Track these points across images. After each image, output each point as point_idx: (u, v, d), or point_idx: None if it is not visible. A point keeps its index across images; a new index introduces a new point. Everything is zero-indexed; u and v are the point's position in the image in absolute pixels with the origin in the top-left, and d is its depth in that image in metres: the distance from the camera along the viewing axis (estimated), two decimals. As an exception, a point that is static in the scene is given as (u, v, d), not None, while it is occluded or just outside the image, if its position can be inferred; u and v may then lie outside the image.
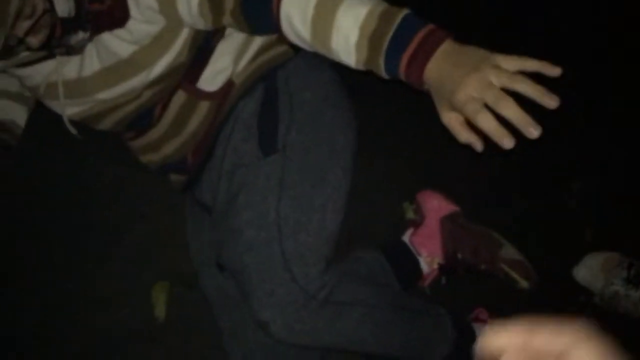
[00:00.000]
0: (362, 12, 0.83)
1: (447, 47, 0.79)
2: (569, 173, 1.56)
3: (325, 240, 1.08)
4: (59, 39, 0.96)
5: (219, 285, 1.17)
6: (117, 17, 0.98)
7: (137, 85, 1.06)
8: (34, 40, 0.93)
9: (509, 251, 1.33)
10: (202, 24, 1.00)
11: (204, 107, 1.12)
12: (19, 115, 1.18)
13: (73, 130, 1.11)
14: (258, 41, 1.13)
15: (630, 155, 1.58)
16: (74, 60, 1.04)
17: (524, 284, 1.33)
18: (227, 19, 0.97)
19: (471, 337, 1.22)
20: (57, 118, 1.12)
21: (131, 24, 0.99)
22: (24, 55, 0.99)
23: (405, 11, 0.84)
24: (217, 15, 0.97)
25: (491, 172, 1.53)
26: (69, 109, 1.09)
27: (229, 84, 1.12)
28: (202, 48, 1.08)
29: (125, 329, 1.34)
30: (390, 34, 0.81)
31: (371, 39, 0.82)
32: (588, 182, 1.55)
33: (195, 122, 1.13)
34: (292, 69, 1.15)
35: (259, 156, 1.09)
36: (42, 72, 1.05)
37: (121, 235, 1.43)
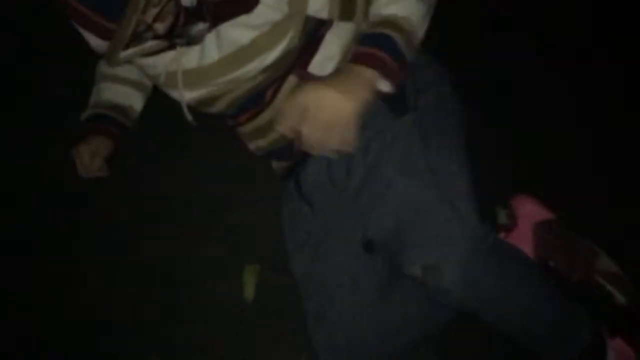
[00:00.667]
0: None
1: None
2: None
3: (475, 193, 1.06)
4: (181, 28, 1.02)
5: (307, 271, 1.19)
6: (249, 1, 1.04)
7: (253, 69, 1.11)
8: (160, 27, 1.00)
9: (606, 262, 1.27)
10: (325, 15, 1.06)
11: None
12: (136, 101, 1.31)
13: (189, 117, 1.18)
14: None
15: None
16: (194, 50, 1.09)
17: (621, 299, 1.27)
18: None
19: (602, 351, 1.17)
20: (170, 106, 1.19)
21: (260, 8, 1.05)
22: (149, 44, 1.06)
23: None
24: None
25: (596, 183, 1.48)
26: (187, 94, 1.16)
27: None
28: (312, 34, 1.12)
29: (216, 307, 1.40)
30: None
31: None
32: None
33: None
34: None
35: (393, 117, 1.08)
36: (163, 62, 1.12)
37: (218, 219, 1.50)
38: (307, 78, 1.12)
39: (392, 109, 1.09)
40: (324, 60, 1.13)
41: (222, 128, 1.27)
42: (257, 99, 1.16)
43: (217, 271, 1.44)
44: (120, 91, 1.29)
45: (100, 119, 1.27)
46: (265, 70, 1.12)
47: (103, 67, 1.30)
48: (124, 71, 1.28)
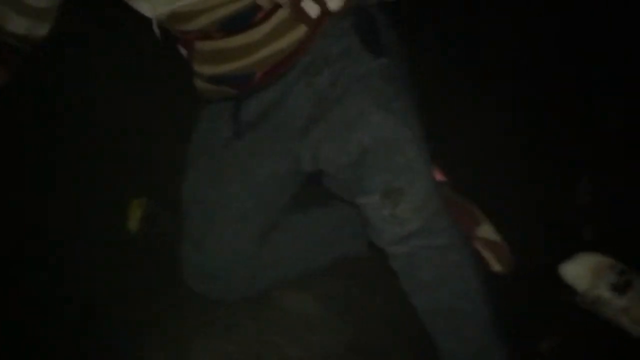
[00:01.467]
0: None
1: None
2: (580, 169, 1.48)
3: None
4: None
5: (200, 192, 1.19)
6: None
7: None
8: None
9: (487, 230, 1.28)
10: None
11: (301, 30, 1.12)
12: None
13: (157, 32, 1.11)
14: None
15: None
16: None
17: (496, 266, 1.28)
18: None
19: None
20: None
21: None
22: None
23: None
24: None
25: (500, 157, 1.48)
26: (160, 8, 1.09)
27: (324, 13, 1.12)
28: None
29: (97, 239, 1.39)
30: None
31: None
32: (599, 181, 1.47)
33: (287, 40, 1.12)
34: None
35: (369, 55, 1.09)
36: None
37: (108, 148, 1.46)
38: (298, 14, 1.10)
39: (366, 47, 1.09)
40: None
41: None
42: (243, 19, 1.10)
43: (100, 203, 1.42)
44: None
45: None
46: None
47: None
48: None
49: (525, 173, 1.48)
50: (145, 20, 1.13)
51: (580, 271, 1.33)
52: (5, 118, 1.48)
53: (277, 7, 1.09)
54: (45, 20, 1.17)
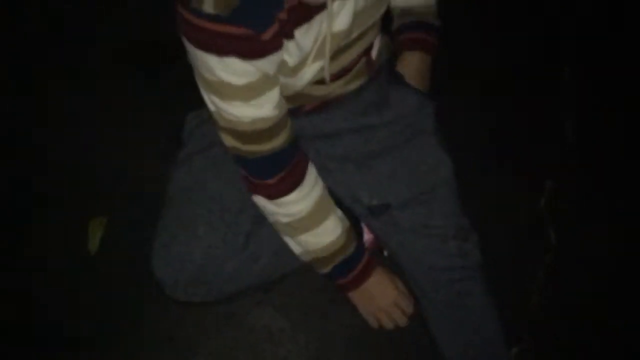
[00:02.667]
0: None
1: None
2: (543, 171, 1.49)
3: None
4: None
5: (190, 180, 1.16)
6: None
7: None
8: None
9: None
10: None
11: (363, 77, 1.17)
12: None
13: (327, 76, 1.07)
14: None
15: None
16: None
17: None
18: None
19: None
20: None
21: None
22: None
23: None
24: None
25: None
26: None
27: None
28: None
29: (58, 260, 1.37)
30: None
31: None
32: (562, 183, 1.47)
33: (353, 86, 1.16)
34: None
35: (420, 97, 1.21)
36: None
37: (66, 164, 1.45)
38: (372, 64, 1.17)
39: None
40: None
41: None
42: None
43: (58, 224, 1.40)
44: None
45: None
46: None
47: None
48: None
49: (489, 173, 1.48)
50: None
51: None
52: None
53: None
54: None
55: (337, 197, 1.20)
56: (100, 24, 1.58)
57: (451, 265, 1.14)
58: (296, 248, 1.14)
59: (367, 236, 1.32)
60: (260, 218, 1.14)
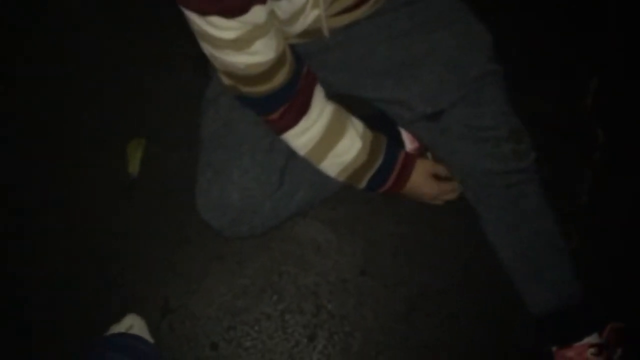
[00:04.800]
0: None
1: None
2: (587, 71, 1.43)
3: None
4: None
5: (221, 124, 1.14)
6: None
7: None
8: None
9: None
10: None
11: None
12: None
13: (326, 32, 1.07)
14: None
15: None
16: None
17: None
18: None
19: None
20: None
21: None
22: None
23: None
24: None
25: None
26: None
27: None
28: None
29: (98, 182, 1.36)
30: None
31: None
32: (606, 82, 1.42)
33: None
34: None
35: None
36: None
37: (101, 88, 1.42)
38: None
39: None
40: None
41: None
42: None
43: (98, 146, 1.38)
44: None
45: None
46: None
47: None
48: None
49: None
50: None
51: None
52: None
53: None
54: None
55: (380, 107, 1.18)
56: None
57: (506, 169, 1.12)
58: (328, 171, 1.14)
59: (411, 146, 1.30)
60: (291, 152, 1.13)
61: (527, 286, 1.20)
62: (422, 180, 1.22)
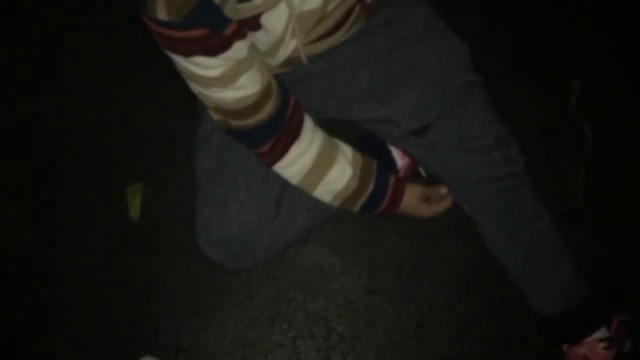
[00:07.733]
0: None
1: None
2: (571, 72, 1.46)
3: None
4: None
5: (217, 159, 1.16)
6: None
7: None
8: None
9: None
10: None
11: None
12: None
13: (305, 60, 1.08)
14: None
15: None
16: None
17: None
18: None
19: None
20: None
21: None
22: None
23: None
24: None
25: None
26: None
27: None
28: None
29: (101, 229, 1.38)
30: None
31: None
32: (589, 82, 1.45)
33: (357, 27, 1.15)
34: None
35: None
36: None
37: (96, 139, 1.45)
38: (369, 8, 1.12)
39: None
40: None
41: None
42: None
43: (98, 193, 1.41)
44: None
45: None
46: None
47: None
48: None
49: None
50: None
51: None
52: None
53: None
54: None
55: (368, 127, 1.20)
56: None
57: (498, 176, 1.13)
58: (321, 198, 1.17)
59: (402, 162, 1.32)
60: (285, 180, 1.15)
61: (532, 288, 1.21)
62: (415, 203, 1.25)
